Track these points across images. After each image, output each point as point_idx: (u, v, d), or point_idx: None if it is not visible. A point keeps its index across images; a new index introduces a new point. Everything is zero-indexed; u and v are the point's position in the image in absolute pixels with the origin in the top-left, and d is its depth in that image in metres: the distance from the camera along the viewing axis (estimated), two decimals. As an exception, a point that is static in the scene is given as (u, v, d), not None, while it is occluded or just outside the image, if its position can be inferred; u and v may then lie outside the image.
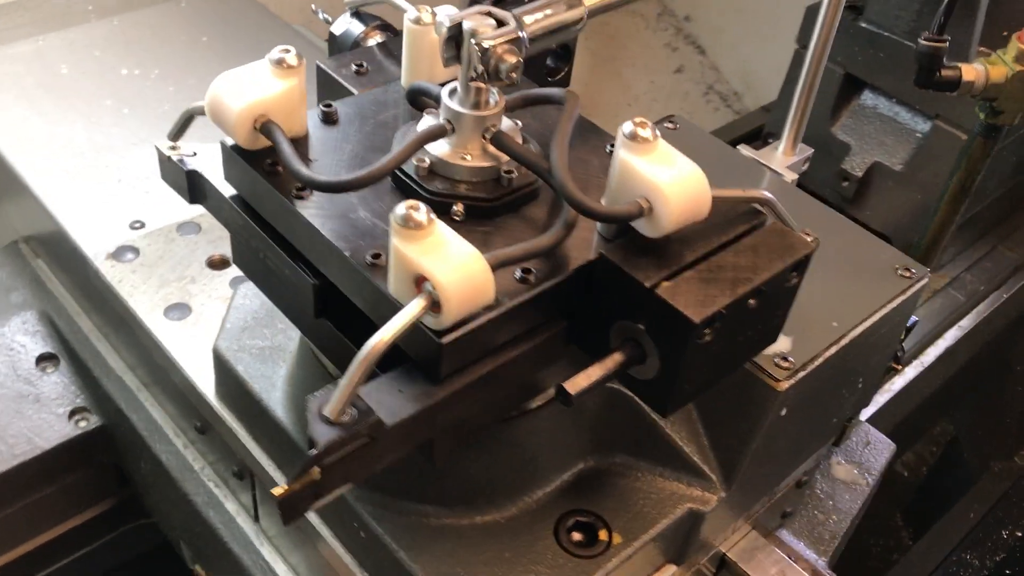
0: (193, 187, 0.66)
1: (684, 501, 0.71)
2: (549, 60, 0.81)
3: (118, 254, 0.92)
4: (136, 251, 0.93)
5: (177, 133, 0.66)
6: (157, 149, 0.66)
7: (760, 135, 1.69)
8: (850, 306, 0.73)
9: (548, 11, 0.59)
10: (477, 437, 0.62)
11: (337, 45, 0.78)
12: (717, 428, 0.70)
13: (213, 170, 0.65)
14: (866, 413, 1.19)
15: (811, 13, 1.43)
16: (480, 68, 0.56)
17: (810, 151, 0.95)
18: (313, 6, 0.82)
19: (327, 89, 0.72)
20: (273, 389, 0.75)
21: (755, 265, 0.57)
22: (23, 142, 1.03)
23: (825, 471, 0.94)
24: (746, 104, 2.12)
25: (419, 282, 0.51)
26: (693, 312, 0.53)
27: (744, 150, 0.91)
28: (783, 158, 0.93)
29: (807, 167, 0.95)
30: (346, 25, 0.77)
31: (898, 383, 1.27)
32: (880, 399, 1.23)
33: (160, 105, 1.10)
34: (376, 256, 0.55)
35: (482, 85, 0.57)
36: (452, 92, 0.59)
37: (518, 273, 0.56)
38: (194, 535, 0.91)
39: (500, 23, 0.57)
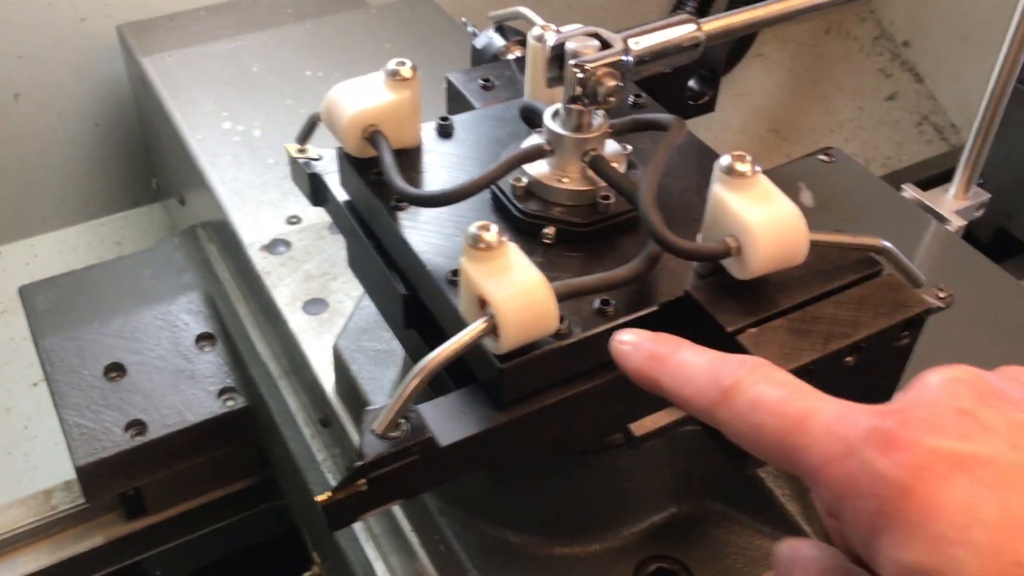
0: (315, 189, 0.68)
1: (782, 562, 0.66)
2: (693, 83, 0.78)
3: (271, 246, 0.97)
4: (288, 244, 0.97)
5: (303, 136, 0.68)
6: (287, 150, 0.69)
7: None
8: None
9: (660, 34, 0.56)
10: (546, 465, 0.61)
11: (478, 58, 0.79)
12: (825, 489, 0.65)
13: (333, 175, 0.66)
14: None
15: (1033, 45, 1.31)
16: (578, 90, 0.54)
17: (986, 196, 0.87)
18: (463, 19, 0.83)
19: (454, 101, 0.72)
20: (380, 392, 0.76)
21: (856, 320, 0.52)
22: (208, 135, 1.10)
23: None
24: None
25: (483, 304, 0.50)
26: (773, 364, 0.49)
27: (909, 190, 0.84)
28: (953, 202, 0.85)
29: (981, 213, 0.86)
30: (488, 39, 0.78)
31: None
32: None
33: (335, 107, 1.14)
34: (455, 273, 0.55)
35: (581, 107, 0.56)
36: (555, 113, 0.58)
37: (596, 303, 0.54)
38: (312, 523, 0.94)
39: (605, 45, 0.55)
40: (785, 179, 0.81)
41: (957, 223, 0.81)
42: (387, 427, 0.49)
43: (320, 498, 0.49)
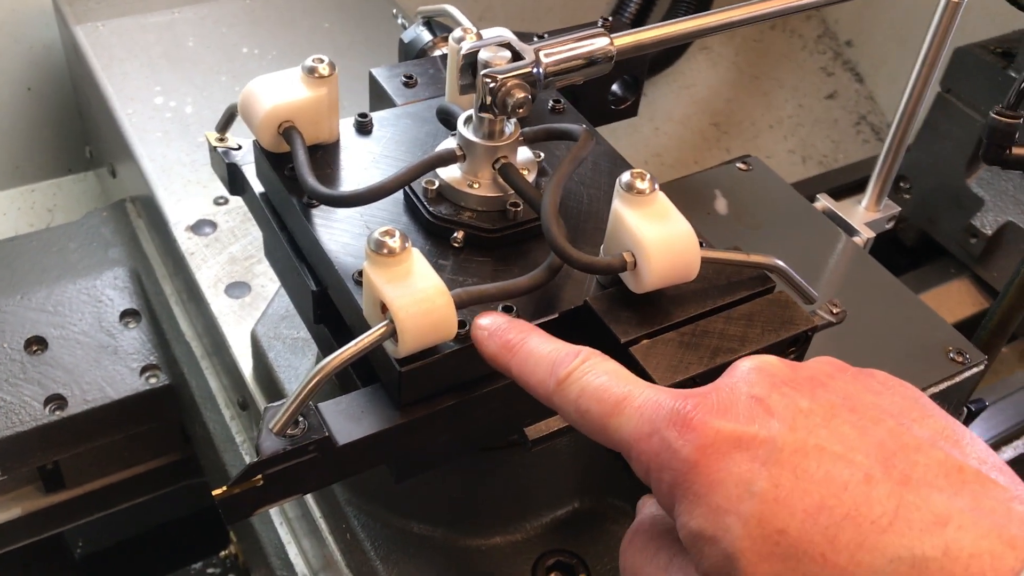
0: (233, 179, 0.68)
1: (675, 559, 0.69)
2: (616, 87, 0.79)
3: (197, 227, 0.97)
4: (214, 226, 0.97)
5: (223, 126, 0.68)
6: (207, 138, 0.69)
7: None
8: (886, 384, 0.68)
9: (572, 48, 0.58)
10: (445, 463, 0.62)
11: (405, 52, 0.79)
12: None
13: (251, 165, 0.67)
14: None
15: (959, 56, 1.35)
16: (488, 100, 0.56)
17: (897, 209, 0.89)
18: (394, 11, 0.84)
19: (376, 97, 0.73)
20: (296, 380, 0.77)
21: (744, 335, 0.54)
22: (138, 108, 1.09)
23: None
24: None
25: (384, 309, 0.51)
26: (660, 376, 0.51)
27: (823, 200, 0.87)
28: (865, 213, 0.88)
29: (892, 225, 0.89)
30: (415, 33, 0.78)
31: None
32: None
33: (270, 86, 1.14)
34: (362, 274, 0.56)
35: (491, 116, 0.57)
36: (467, 119, 0.59)
37: (499, 310, 0.55)
38: (229, 503, 0.95)
39: (516, 56, 0.56)
40: (702, 186, 0.83)
41: (867, 235, 0.84)
42: (284, 425, 0.50)
43: (216, 492, 0.50)
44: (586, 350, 0.47)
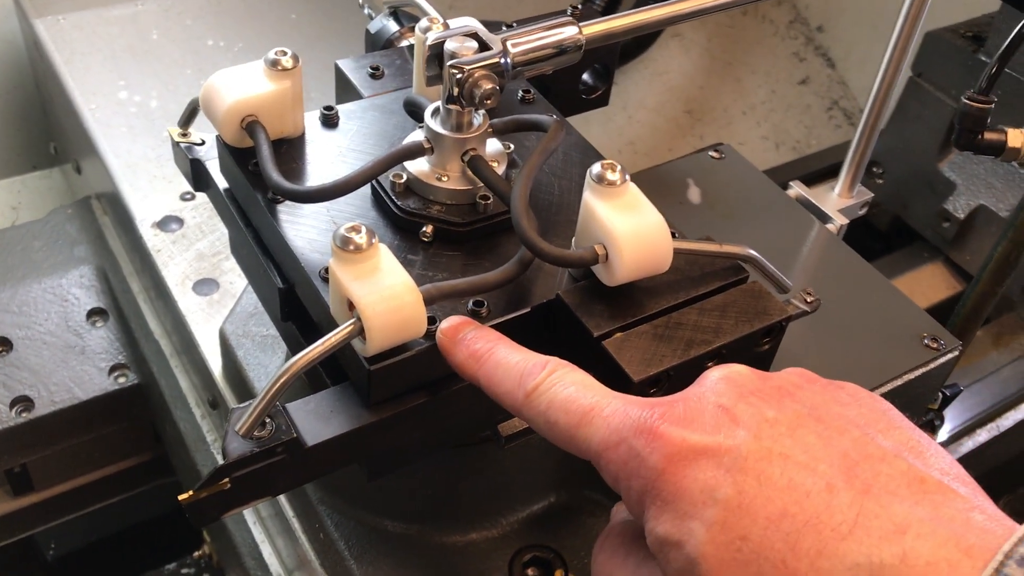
0: (197, 175, 0.67)
1: (653, 551, 0.68)
2: (587, 77, 0.78)
3: (163, 223, 0.95)
4: (181, 222, 0.95)
5: (186, 121, 0.67)
6: (169, 133, 0.68)
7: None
8: (861, 373, 0.68)
9: (540, 38, 0.57)
10: (418, 461, 0.61)
11: (372, 43, 0.78)
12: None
13: (215, 161, 0.65)
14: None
15: (930, 40, 1.35)
16: (455, 91, 0.54)
17: (869, 195, 0.89)
18: (361, 0, 0.82)
19: (342, 89, 0.72)
20: (266, 378, 0.76)
21: (718, 327, 0.53)
22: (102, 103, 1.07)
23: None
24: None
25: (351, 307, 0.50)
26: (634, 370, 0.50)
27: (796, 187, 0.86)
28: (838, 200, 0.87)
29: (865, 211, 0.89)
30: (382, 24, 0.77)
31: (967, 445, 1.19)
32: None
33: (237, 79, 1.12)
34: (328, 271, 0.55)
35: (459, 108, 0.56)
36: (435, 111, 0.58)
37: (470, 304, 0.54)
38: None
39: (484, 46, 0.55)
40: (675, 175, 0.83)
41: (840, 221, 0.84)
42: (251, 427, 0.49)
43: (182, 497, 0.49)
44: (553, 361, 0.47)
